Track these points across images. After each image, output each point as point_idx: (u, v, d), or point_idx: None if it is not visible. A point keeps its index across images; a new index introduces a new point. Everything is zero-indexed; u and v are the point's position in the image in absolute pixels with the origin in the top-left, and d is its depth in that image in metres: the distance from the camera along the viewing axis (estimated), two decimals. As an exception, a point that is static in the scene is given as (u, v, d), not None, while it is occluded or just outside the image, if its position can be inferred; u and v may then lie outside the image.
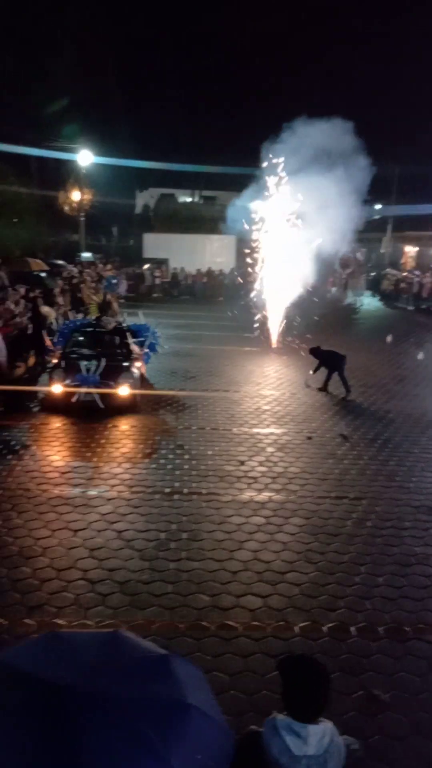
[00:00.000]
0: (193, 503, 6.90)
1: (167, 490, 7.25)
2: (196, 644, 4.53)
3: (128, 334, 11.81)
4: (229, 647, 4.52)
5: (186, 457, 8.32)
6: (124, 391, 9.93)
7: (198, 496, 7.10)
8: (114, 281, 26.35)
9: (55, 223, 36.64)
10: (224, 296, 29.46)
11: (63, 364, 10.52)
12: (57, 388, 9.93)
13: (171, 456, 8.35)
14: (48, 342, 11.83)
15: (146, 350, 11.84)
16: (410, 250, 41.84)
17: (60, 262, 30.38)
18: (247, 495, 7.17)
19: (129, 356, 11.06)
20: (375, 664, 4.40)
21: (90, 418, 9.60)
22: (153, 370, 12.40)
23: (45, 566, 5.51)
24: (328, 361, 11.97)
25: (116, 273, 28.75)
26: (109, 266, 30.42)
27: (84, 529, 6.20)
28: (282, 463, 8.21)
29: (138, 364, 11.05)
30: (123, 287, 27.32)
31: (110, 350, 11.14)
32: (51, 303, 15.64)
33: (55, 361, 10.93)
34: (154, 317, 19.01)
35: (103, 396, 9.81)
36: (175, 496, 7.08)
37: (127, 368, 10.49)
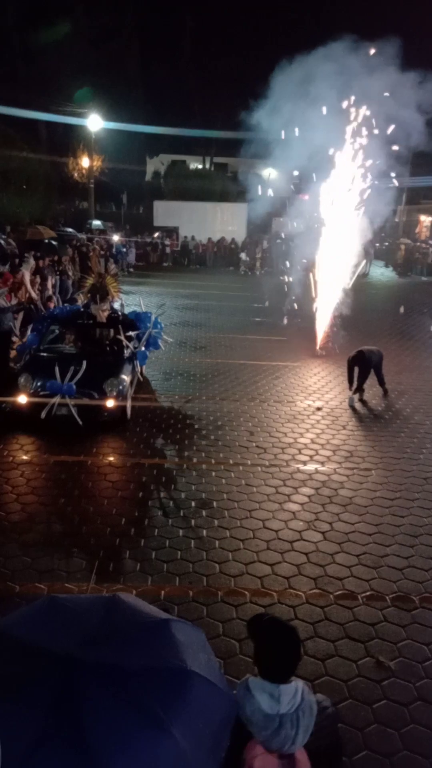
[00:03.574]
0: (202, 472, 6.93)
1: (176, 459, 7.28)
2: (205, 609, 4.58)
3: (125, 325, 9.40)
4: (237, 613, 4.57)
5: (195, 426, 8.33)
6: (109, 402, 8.00)
7: (207, 465, 7.12)
8: (123, 250, 26.13)
9: (65, 190, 36.16)
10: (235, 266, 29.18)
11: (31, 366, 8.42)
12: (22, 399, 7.99)
13: (180, 425, 8.36)
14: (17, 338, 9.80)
15: (143, 348, 9.27)
16: (425, 219, 41.13)
17: (69, 230, 30.10)
18: (256, 465, 7.18)
19: (120, 356, 8.91)
20: (381, 632, 4.44)
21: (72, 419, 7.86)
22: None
23: (56, 531, 5.57)
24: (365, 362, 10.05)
25: (125, 241, 28.48)
26: (118, 235, 30.14)
27: (94, 496, 6.26)
28: (292, 433, 8.19)
29: (132, 365, 8.94)
30: (132, 256, 27.09)
31: (97, 348, 9.18)
32: (61, 272, 15.52)
33: (16, 364, 8.91)
34: (163, 287, 18.91)
35: (82, 408, 7.86)
36: (184, 465, 7.11)
37: (116, 373, 8.32)
